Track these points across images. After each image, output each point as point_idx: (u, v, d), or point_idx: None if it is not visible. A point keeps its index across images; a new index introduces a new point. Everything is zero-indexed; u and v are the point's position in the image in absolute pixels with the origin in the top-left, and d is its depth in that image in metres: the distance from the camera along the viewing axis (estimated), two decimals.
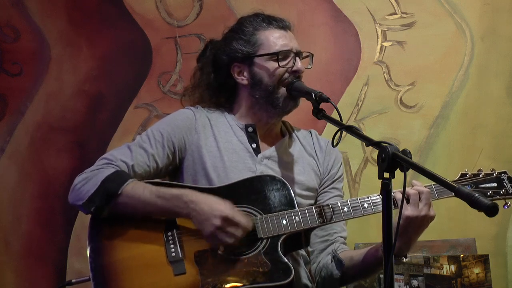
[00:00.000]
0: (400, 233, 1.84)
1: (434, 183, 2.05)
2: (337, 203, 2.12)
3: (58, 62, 3.34)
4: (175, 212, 2.05)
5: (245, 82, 2.28)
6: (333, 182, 2.35)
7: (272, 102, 2.24)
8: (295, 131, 2.40)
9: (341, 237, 2.31)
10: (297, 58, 2.24)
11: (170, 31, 3.32)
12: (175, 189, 2.08)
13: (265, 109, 2.27)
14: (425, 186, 2.08)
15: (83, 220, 3.19)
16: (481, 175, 2.17)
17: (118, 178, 2.08)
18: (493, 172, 2.17)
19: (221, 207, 2.00)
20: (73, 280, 2.25)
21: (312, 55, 2.33)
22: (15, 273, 3.25)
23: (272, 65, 2.23)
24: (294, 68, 2.23)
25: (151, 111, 3.29)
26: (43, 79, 3.33)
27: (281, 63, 2.23)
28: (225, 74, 2.31)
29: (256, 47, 2.26)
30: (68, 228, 3.23)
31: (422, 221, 2.01)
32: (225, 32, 2.36)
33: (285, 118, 2.37)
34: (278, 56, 2.22)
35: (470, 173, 2.17)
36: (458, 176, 2.17)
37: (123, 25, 3.34)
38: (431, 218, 2.02)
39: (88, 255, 2.05)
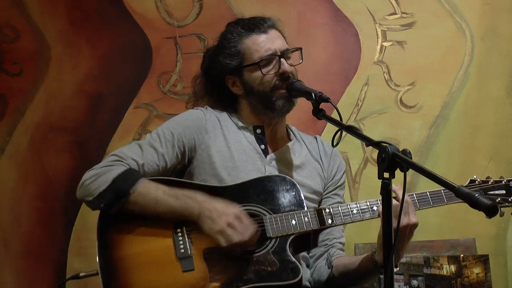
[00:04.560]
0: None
1: (419, 192, 2.11)
2: (347, 205, 2.12)
3: (58, 62, 3.34)
4: (187, 210, 2.05)
5: (239, 92, 2.30)
6: (335, 188, 2.37)
7: (269, 107, 2.25)
8: (302, 136, 2.42)
9: (339, 243, 2.32)
10: (282, 59, 2.23)
11: (170, 31, 3.32)
12: (187, 189, 2.09)
13: (264, 112, 2.28)
14: (416, 194, 2.11)
15: (83, 220, 3.19)
16: (490, 182, 2.16)
17: (130, 176, 2.08)
18: (502, 179, 2.17)
19: (234, 207, 2.04)
20: (81, 274, 2.26)
21: (301, 49, 2.31)
22: (15, 273, 3.25)
23: (258, 74, 2.23)
24: (280, 71, 2.22)
25: (151, 111, 3.29)
26: (43, 79, 3.33)
27: (265, 70, 2.22)
28: (221, 85, 2.33)
29: (240, 58, 2.26)
30: (68, 228, 3.23)
31: (405, 231, 2.01)
32: (214, 44, 2.37)
33: (286, 118, 2.37)
34: (259, 64, 2.22)
35: (479, 180, 2.18)
36: (467, 182, 2.17)
37: (123, 25, 3.34)
38: (414, 226, 2.02)
39: (96, 250, 2.04)
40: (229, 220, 2.00)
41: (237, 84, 2.30)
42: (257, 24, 2.27)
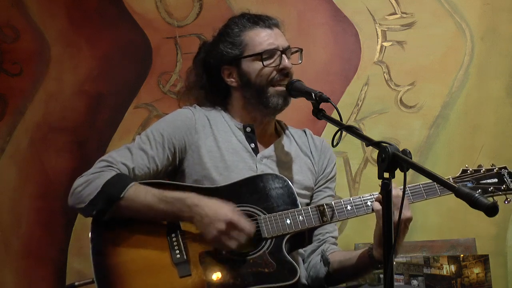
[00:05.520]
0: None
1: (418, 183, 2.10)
2: (341, 202, 2.12)
3: (58, 62, 3.34)
4: (178, 215, 2.04)
5: (234, 84, 2.29)
6: (326, 181, 2.36)
7: (263, 102, 2.24)
8: (290, 131, 2.40)
9: (332, 237, 2.31)
10: (283, 55, 2.23)
11: (170, 31, 3.32)
12: (178, 192, 2.07)
13: (258, 108, 2.27)
14: (409, 187, 2.10)
15: (83, 220, 3.16)
16: (481, 171, 2.17)
17: (120, 181, 2.06)
18: (494, 167, 2.17)
19: (225, 211, 1.99)
20: (76, 283, 2.24)
21: (301, 50, 2.32)
22: (15, 273, 3.25)
23: (259, 65, 2.23)
24: (281, 66, 2.23)
25: (151, 111, 3.29)
26: (43, 79, 3.33)
27: (267, 63, 2.22)
28: (216, 76, 2.31)
29: (242, 49, 2.26)
30: (68, 228, 3.23)
31: (400, 226, 1.97)
32: (214, 34, 2.36)
33: (286, 118, 2.37)
34: (262, 56, 2.22)
35: (471, 169, 2.17)
36: (459, 173, 2.17)
37: (123, 25, 3.34)
38: (408, 220, 2.00)
39: (91, 257, 2.04)
40: (222, 228, 1.96)
41: (233, 76, 2.28)
42: (262, 19, 2.29)
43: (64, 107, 3.32)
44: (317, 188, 2.34)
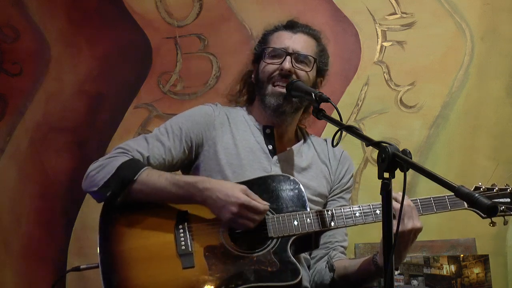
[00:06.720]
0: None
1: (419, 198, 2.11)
2: (349, 208, 2.12)
3: (58, 62, 3.34)
4: (190, 199, 2.07)
5: (253, 81, 2.35)
6: (341, 191, 2.37)
7: (262, 100, 2.28)
8: (311, 138, 2.42)
9: (341, 246, 2.32)
10: (287, 57, 2.25)
11: (170, 31, 3.32)
12: (190, 176, 2.13)
13: (263, 108, 2.29)
14: (420, 199, 2.12)
15: (83, 220, 3.19)
16: (494, 190, 2.17)
17: (134, 165, 2.10)
18: (507, 187, 2.17)
19: (236, 193, 2.02)
20: (82, 266, 2.27)
21: (315, 59, 2.30)
22: (15, 273, 3.24)
23: (263, 63, 2.29)
24: (280, 67, 2.25)
25: (151, 111, 3.29)
26: (43, 79, 3.33)
27: (268, 60, 2.27)
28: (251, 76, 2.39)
29: (263, 47, 2.32)
30: (68, 228, 3.23)
31: (409, 235, 2.01)
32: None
33: (295, 119, 2.38)
34: (265, 52, 2.27)
35: (483, 187, 2.18)
36: (472, 189, 2.17)
37: (123, 25, 3.34)
38: (419, 230, 2.02)
39: (98, 242, 2.05)
40: (235, 211, 2.00)
41: (255, 73, 2.35)
42: (293, 25, 2.33)
43: (64, 107, 3.32)
44: (331, 196, 2.35)
